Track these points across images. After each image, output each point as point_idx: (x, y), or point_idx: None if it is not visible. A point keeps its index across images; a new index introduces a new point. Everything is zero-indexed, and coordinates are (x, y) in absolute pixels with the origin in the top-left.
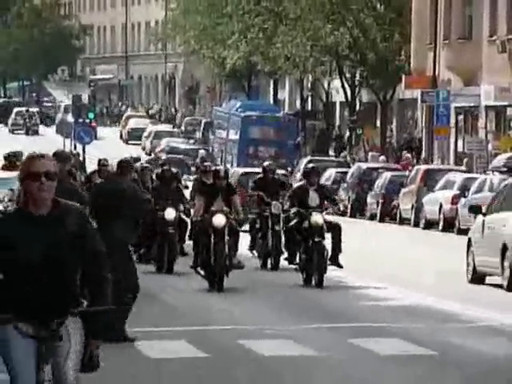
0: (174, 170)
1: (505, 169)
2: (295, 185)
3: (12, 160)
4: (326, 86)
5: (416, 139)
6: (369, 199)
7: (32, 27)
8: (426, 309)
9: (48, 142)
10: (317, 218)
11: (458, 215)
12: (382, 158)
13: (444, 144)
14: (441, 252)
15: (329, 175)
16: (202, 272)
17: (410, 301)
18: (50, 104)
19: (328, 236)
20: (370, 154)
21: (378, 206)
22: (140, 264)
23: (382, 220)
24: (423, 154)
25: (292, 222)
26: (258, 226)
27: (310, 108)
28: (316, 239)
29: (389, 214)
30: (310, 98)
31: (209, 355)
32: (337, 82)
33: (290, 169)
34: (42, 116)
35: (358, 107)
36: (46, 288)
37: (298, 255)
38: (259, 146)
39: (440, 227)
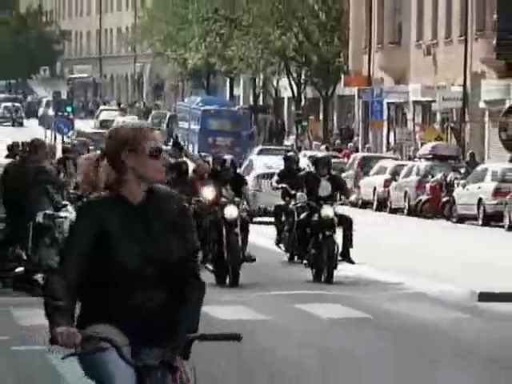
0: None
1: (430, 156)
2: (304, 171)
3: (16, 150)
4: (275, 83)
5: (353, 131)
6: None
7: (18, 33)
8: (366, 279)
9: (31, 133)
10: (327, 210)
11: (389, 196)
12: (324, 146)
13: (378, 134)
14: (379, 229)
15: (276, 161)
16: (211, 267)
17: (356, 273)
18: (31, 100)
19: (339, 230)
20: (313, 143)
21: None
22: None
23: None
24: (358, 144)
25: (302, 216)
26: (283, 218)
27: (261, 103)
28: (326, 233)
29: None
30: (261, 95)
31: None
32: (284, 81)
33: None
34: (26, 110)
35: (303, 102)
36: (152, 297)
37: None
38: (217, 136)
39: (374, 207)
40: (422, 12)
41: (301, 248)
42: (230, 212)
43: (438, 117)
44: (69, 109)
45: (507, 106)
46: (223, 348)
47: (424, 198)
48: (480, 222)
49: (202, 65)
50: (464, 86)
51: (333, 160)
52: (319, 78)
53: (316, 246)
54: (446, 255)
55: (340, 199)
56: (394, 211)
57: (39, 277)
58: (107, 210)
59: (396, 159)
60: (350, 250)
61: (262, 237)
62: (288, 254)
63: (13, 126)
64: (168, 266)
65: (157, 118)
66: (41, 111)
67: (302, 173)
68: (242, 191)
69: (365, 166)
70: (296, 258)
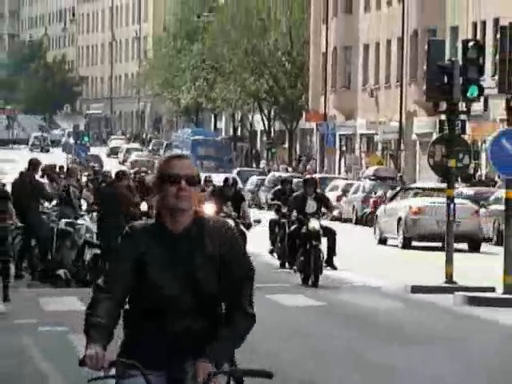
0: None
1: (373, 177)
2: (295, 193)
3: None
4: (250, 119)
5: (312, 156)
6: None
7: (46, 78)
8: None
9: (56, 157)
10: (314, 223)
11: (341, 209)
12: (290, 169)
13: (331, 160)
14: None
15: (252, 181)
16: None
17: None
18: (56, 132)
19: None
20: (281, 166)
21: None
22: None
23: None
24: (314, 166)
25: (292, 228)
26: (277, 230)
27: (239, 134)
28: (314, 243)
29: None
30: (239, 127)
31: None
32: (258, 116)
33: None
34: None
35: (272, 134)
36: (189, 327)
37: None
38: (204, 160)
39: (329, 219)
40: (367, 63)
41: (291, 256)
42: None
43: (380, 146)
44: (86, 138)
45: (434, 137)
46: None
47: (368, 210)
48: None
49: (192, 103)
50: (400, 121)
51: (294, 180)
52: (285, 114)
53: (304, 254)
54: (385, 256)
55: (323, 214)
56: (344, 221)
57: (61, 272)
58: (148, 238)
59: (346, 179)
60: (334, 257)
61: (258, 246)
62: (280, 261)
63: (41, 151)
64: (207, 297)
65: (156, 145)
66: (63, 140)
67: (294, 194)
68: (241, 207)
69: (321, 184)
70: (287, 264)
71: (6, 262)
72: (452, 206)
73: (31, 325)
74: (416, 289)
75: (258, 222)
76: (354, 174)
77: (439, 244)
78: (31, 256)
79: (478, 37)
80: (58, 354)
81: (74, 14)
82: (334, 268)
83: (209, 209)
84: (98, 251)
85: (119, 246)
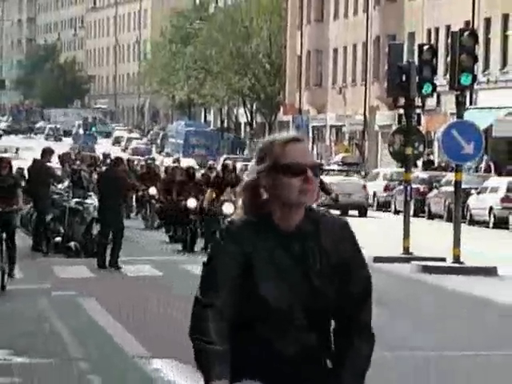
0: (195, 167)
1: (341, 163)
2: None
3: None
4: (235, 112)
5: None
6: None
7: (59, 77)
8: None
9: (67, 145)
10: None
11: None
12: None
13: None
14: None
15: (238, 167)
16: None
17: None
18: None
19: None
20: None
21: None
22: (170, 243)
23: None
24: None
25: None
26: None
27: (225, 126)
28: None
29: None
30: (225, 120)
31: (164, 273)
32: (242, 110)
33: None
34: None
35: (254, 125)
36: (300, 346)
37: None
38: (195, 148)
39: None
40: (336, 64)
41: None
42: (228, 208)
43: (347, 136)
44: (93, 129)
45: (393, 129)
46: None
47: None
48: (375, 208)
49: (185, 99)
50: (364, 115)
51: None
52: (266, 108)
53: None
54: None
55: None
56: (319, 203)
57: (72, 244)
58: (253, 236)
59: None
60: None
61: None
62: None
63: (55, 140)
64: (323, 313)
65: (153, 135)
66: (74, 130)
67: None
68: None
69: None
70: None
71: (12, 243)
72: (409, 187)
73: (46, 289)
74: (378, 259)
75: None
76: (324, 160)
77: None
78: (46, 231)
79: (432, 41)
80: (69, 315)
81: (83, 22)
82: None
83: (207, 196)
84: None
85: (220, 248)
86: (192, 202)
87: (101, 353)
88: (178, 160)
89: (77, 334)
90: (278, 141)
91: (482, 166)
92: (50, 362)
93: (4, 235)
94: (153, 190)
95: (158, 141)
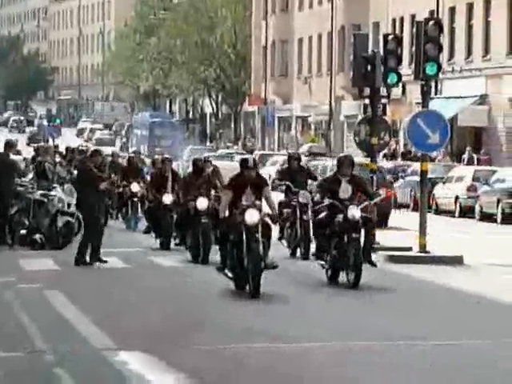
0: (202, 159)
1: (307, 153)
2: (327, 175)
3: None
4: (200, 103)
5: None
6: None
7: (22, 68)
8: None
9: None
10: (354, 211)
11: None
12: (235, 147)
13: (271, 139)
14: None
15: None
16: (230, 274)
17: None
18: (31, 114)
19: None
20: (227, 144)
21: None
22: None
23: None
24: (258, 145)
25: (321, 215)
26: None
27: (191, 117)
28: (353, 235)
29: None
30: (191, 111)
31: (131, 266)
32: (207, 101)
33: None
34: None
35: (220, 116)
36: None
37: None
38: (161, 139)
39: (270, 189)
40: (301, 54)
41: (319, 249)
42: (252, 217)
43: (312, 126)
44: (57, 121)
45: (359, 118)
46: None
47: None
48: None
49: (150, 90)
50: (330, 105)
51: (242, 156)
52: (231, 99)
53: (339, 247)
54: None
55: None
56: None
57: (37, 237)
58: None
59: (284, 155)
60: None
61: None
62: (290, 250)
63: (19, 132)
64: None
65: (119, 126)
66: (38, 122)
67: (324, 177)
68: (262, 193)
69: (263, 159)
70: (315, 258)
71: None
72: (374, 177)
73: (11, 282)
74: None
75: (274, 267)
76: (291, 150)
77: None
78: (11, 223)
79: (397, 31)
80: (35, 308)
81: (46, 13)
82: (374, 265)
83: (224, 202)
84: (69, 219)
85: None
86: (202, 202)
87: (67, 346)
88: (136, 152)
89: (43, 327)
90: None
91: (465, 156)
92: (16, 355)
93: None
94: (135, 187)
95: (123, 132)
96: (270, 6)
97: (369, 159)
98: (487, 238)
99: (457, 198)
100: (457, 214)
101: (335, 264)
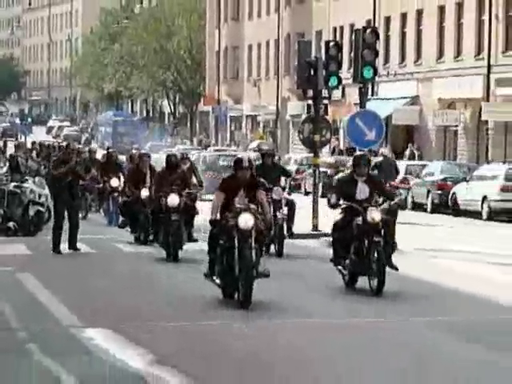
0: (178, 155)
1: (256, 149)
2: (341, 174)
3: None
4: (159, 103)
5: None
6: None
7: None
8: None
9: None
10: (374, 213)
11: None
12: (189, 143)
13: (224, 136)
14: None
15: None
16: (218, 281)
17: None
18: (3, 110)
19: None
20: (184, 141)
21: None
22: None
23: None
24: (213, 141)
25: (337, 218)
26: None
27: (151, 115)
28: (375, 239)
29: None
30: (151, 110)
31: (97, 251)
32: (166, 102)
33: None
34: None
35: (177, 115)
36: None
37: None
38: (123, 136)
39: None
40: (251, 59)
41: (337, 253)
42: (246, 221)
43: (261, 125)
44: (29, 119)
45: (303, 118)
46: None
47: None
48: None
49: (113, 91)
50: (277, 105)
51: (198, 152)
52: (187, 100)
53: (358, 252)
54: None
55: (380, 204)
56: None
57: (11, 224)
58: None
59: (235, 151)
60: (392, 255)
61: None
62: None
63: None
64: None
65: (84, 124)
66: (10, 120)
67: (339, 177)
68: (257, 196)
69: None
70: (333, 264)
71: None
72: (317, 171)
73: None
74: (291, 235)
75: (266, 275)
76: (242, 147)
77: None
78: None
79: (338, 38)
80: (7, 289)
81: (19, 21)
82: (395, 268)
83: (216, 203)
84: (40, 208)
85: None
86: (174, 199)
87: (38, 324)
88: (108, 148)
89: (15, 307)
90: None
91: (407, 152)
92: None
93: None
94: (115, 182)
95: (89, 129)
96: (223, 15)
97: (312, 155)
98: (418, 226)
99: None
100: None
101: (355, 269)
